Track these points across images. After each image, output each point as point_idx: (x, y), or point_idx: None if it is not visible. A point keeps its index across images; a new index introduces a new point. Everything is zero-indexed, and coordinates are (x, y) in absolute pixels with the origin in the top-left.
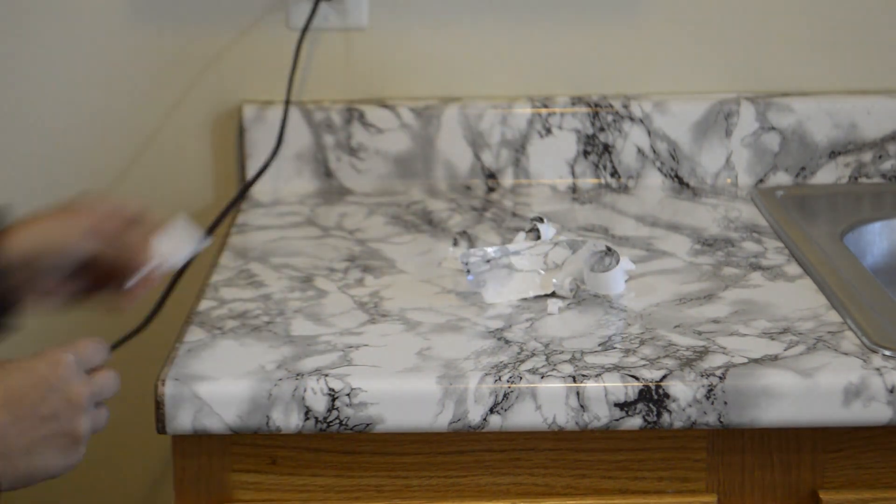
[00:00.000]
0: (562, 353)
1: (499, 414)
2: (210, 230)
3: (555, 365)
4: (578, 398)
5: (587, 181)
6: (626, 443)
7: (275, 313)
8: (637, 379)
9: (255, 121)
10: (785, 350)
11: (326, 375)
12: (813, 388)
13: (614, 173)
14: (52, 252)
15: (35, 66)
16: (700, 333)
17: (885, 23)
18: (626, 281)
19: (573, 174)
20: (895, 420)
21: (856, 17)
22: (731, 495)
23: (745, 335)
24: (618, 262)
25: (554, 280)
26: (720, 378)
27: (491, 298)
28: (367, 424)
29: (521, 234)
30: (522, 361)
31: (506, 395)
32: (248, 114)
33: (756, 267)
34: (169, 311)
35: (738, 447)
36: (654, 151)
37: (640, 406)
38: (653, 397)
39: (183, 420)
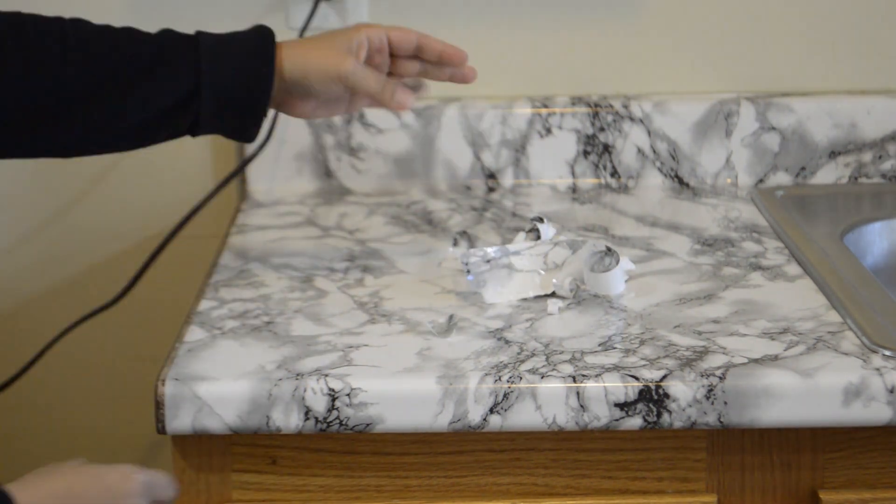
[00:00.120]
0: (562, 353)
1: (499, 414)
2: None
3: (555, 365)
4: (578, 398)
5: (587, 181)
6: (626, 443)
7: (275, 313)
8: (637, 379)
9: None
10: (785, 350)
11: (326, 375)
12: (813, 389)
13: (614, 173)
14: (315, 78)
15: None
16: (700, 333)
17: (885, 23)
18: (626, 281)
19: (573, 174)
20: (895, 420)
21: (856, 17)
22: (731, 495)
23: (745, 335)
24: (618, 262)
25: (554, 280)
26: (720, 378)
27: (491, 298)
28: (367, 424)
29: (521, 234)
30: (522, 361)
31: (506, 395)
32: None
33: (756, 267)
34: (169, 310)
35: (737, 447)
36: (654, 151)
37: (640, 406)
38: (653, 397)
39: (183, 420)
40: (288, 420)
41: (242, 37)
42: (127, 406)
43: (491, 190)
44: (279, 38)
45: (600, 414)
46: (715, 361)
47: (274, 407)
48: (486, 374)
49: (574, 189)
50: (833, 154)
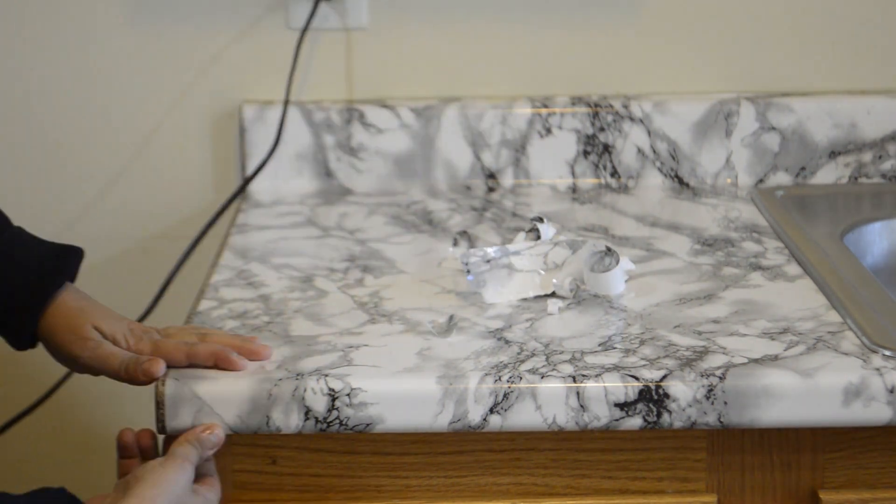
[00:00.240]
0: (562, 353)
1: (499, 414)
2: (207, 227)
3: (555, 365)
4: (578, 398)
5: (587, 181)
6: (626, 443)
7: (275, 313)
8: (637, 379)
9: (255, 121)
10: (785, 350)
11: (326, 375)
12: (813, 389)
13: (614, 173)
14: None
15: (35, 65)
16: (700, 333)
17: (885, 23)
18: (626, 281)
19: (573, 174)
20: (895, 420)
21: (856, 17)
22: (731, 495)
23: (745, 335)
24: (618, 262)
25: (554, 280)
26: (720, 378)
27: (491, 298)
28: (367, 424)
29: (521, 234)
30: (522, 361)
31: (506, 395)
32: (248, 114)
33: (756, 267)
34: (169, 311)
35: (737, 447)
36: (654, 151)
37: (640, 406)
38: (653, 397)
39: (183, 420)
40: (288, 420)
41: (44, 252)
42: (127, 406)
43: (491, 190)
44: (279, 37)
45: (600, 414)
46: (715, 361)
47: (274, 407)
48: (486, 374)
49: (574, 189)
50: (833, 154)
